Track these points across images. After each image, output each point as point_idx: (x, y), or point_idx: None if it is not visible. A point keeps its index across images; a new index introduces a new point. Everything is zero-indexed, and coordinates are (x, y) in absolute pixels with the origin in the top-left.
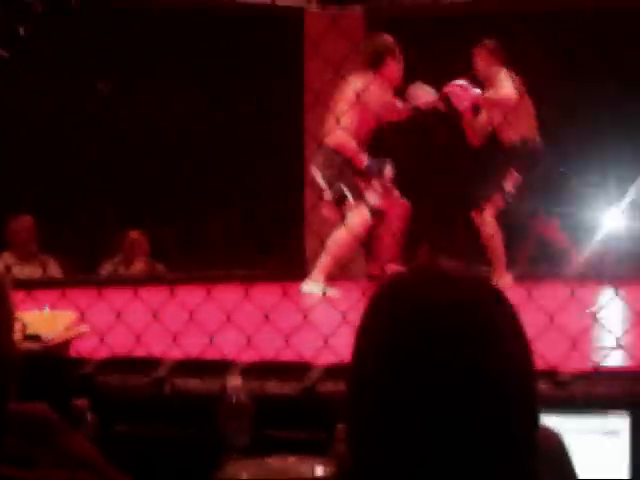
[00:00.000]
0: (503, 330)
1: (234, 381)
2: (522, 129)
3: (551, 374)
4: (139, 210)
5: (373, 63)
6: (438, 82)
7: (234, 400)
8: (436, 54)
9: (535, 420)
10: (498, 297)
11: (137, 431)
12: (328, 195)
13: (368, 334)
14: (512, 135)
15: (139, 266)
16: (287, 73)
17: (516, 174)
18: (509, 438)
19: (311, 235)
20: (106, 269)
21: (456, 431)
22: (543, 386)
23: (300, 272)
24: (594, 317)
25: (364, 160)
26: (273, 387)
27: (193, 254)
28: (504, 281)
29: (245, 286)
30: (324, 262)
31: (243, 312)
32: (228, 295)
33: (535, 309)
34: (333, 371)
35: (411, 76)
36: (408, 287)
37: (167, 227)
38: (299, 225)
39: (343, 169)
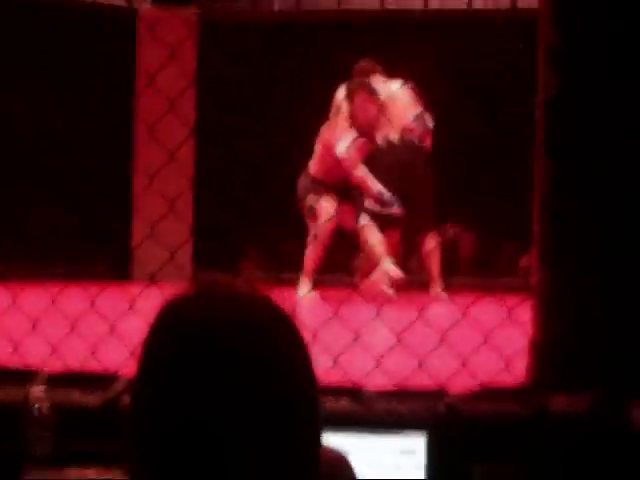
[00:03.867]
0: (283, 348)
1: (37, 391)
2: None
3: (354, 391)
4: None
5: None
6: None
7: (36, 410)
8: (270, 60)
9: (316, 438)
10: (280, 316)
11: None
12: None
13: (147, 354)
14: None
15: None
16: (120, 61)
17: None
18: (287, 454)
19: (140, 223)
20: None
21: (233, 446)
22: (345, 403)
23: (124, 270)
24: (399, 335)
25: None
26: (77, 397)
27: (9, 248)
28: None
29: (62, 285)
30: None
31: (53, 317)
32: (41, 296)
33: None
34: None
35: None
36: (186, 307)
37: None
38: (126, 214)
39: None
